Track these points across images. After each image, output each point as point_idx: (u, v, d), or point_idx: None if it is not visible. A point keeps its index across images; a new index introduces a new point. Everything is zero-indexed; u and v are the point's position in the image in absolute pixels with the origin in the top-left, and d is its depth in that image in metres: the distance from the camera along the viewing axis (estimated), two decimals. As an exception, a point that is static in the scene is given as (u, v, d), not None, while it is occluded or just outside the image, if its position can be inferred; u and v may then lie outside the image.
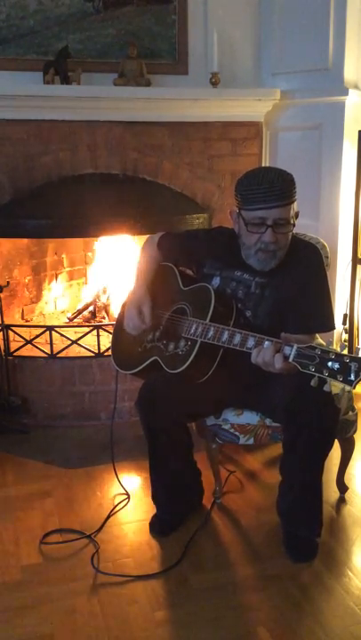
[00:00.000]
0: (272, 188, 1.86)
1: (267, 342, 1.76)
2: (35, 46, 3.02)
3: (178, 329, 2.03)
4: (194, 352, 1.92)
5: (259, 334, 1.80)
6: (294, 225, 1.95)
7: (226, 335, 1.85)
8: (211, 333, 1.88)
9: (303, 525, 2.08)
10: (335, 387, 1.66)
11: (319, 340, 2.36)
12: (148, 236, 2.31)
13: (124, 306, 2.31)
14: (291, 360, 1.69)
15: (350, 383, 1.59)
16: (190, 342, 1.95)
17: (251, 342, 1.80)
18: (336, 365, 1.61)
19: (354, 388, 1.63)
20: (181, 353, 1.97)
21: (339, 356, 1.61)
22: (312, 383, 1.64)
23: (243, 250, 2.01)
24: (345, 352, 1.63)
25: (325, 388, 1.64)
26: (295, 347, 1.69)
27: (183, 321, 2.01)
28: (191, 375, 1.96)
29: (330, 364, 1.62)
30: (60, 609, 1.83)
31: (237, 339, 1.83)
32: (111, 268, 3.43)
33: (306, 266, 2.02)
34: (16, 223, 2.92)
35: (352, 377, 1.59)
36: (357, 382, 1.59)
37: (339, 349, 1.64)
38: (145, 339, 2.15)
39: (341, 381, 1.60)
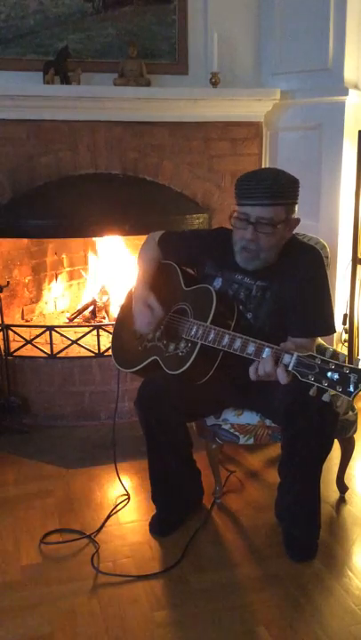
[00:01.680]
0: (260, 185, 1.85)
1: (266, 349, 1.75)
2: (35, 46, 3.02)
3: (178, 330, 2.02)
4: (194, 354, 1.91)
5: (259, 341, 1.78)
6: (275, 226, 1.88)
7: (226, 339, 1.84)
8: (211, 336, 1.88)
9: (301, 528, 2.08)
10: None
11: (319, 340, 2.36)
12: (148, 234, 2.31)
13: (122, 308, 2.31)
14: (290, 369, 1.68)
15: (349, 395, 1.58)
16: (190, 344, 1.95)
17: (251, 348, 1.79)
18: (336, 376, 1.60)
19: (353, 399, 1.62)
20: (181, 354, 1.97)
21: (339, 367, 1.60)
22: (311, 392, 1.63)
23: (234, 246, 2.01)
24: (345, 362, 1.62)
25: (325, 397, 1.63)
26: (295, 355, 1.68)
27: (184, 322, 2.01)
28: (191, 376, 1.96)
29: (329, 374, 1.61)
30: (60, 609, 1.83)
31: (238, 344, 1.82)
32: (111, 268, 3.43)
33: (307, 269, 2.00)
34: (16, 223, 2.92)
35: (351, 388, 1.58)
36: (356, 394, 1.58)
37: (339, 350, 1.64)
38: (145, 338, 2.15)
39: (340, 392, 1.59)
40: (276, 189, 1.86)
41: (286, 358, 1.70)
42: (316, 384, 1.62)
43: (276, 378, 1.72)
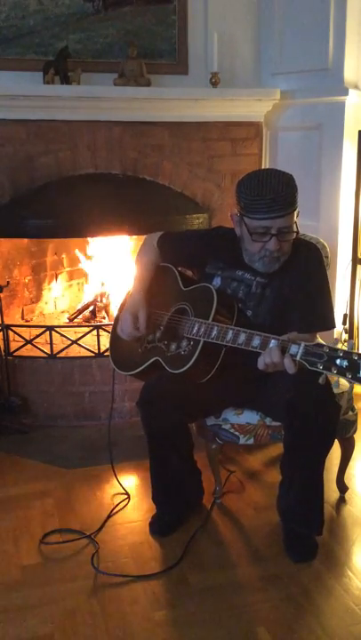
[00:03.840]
0: (277, 199, 1.84)
1: (273, 341, 1.74)
2: (35, 46, 3.02)
3: (179, 329, 2.02)
4: (197, 351, 1.91)
5: (264, 333, 1.78)
6: (298, 231, 1.94)
7: (230, 334, 1.84)
8: (214, 333, 1.87)
9: (304, 523, 2.08)
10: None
11: (319, 339, 2.36)
12: (146, 235, 2.31)
13: (120, 309, 2.31)
14: (298, 358, 1.68)
15: (360, 381, 1.58)
16: (193, 342, 1.95)
17: (256, 341, 1.78)
18: (345, 363, 1.59)
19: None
20: (184, 353, 1.97)
21: (347, 354, 1.59)
22: (320, 381, 1.63)
23: (245, 254, 2.00)
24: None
25: (334, 385, 1.63)
26: (303, 344, 1.68)
27: (185, 321, 2.01)
28: (194, 375, 1.96)
29: (338, 361, 1.60)
30: (60, 609, 1.83)
31: (242, 338, 1.81)
32: (110, 268, 3.43)
33: (306, 265, 2.02)
34: (16, 223, 2.92)
35: None
36: None
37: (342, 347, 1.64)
38: (145, 339, 2.14)
39: (351, 379, 1.58)
40: (291, 197, 1.87)
41: (293, 348, 1.69)
42: (326, 372, 1.62)
43: (283, 368, 1.72)
